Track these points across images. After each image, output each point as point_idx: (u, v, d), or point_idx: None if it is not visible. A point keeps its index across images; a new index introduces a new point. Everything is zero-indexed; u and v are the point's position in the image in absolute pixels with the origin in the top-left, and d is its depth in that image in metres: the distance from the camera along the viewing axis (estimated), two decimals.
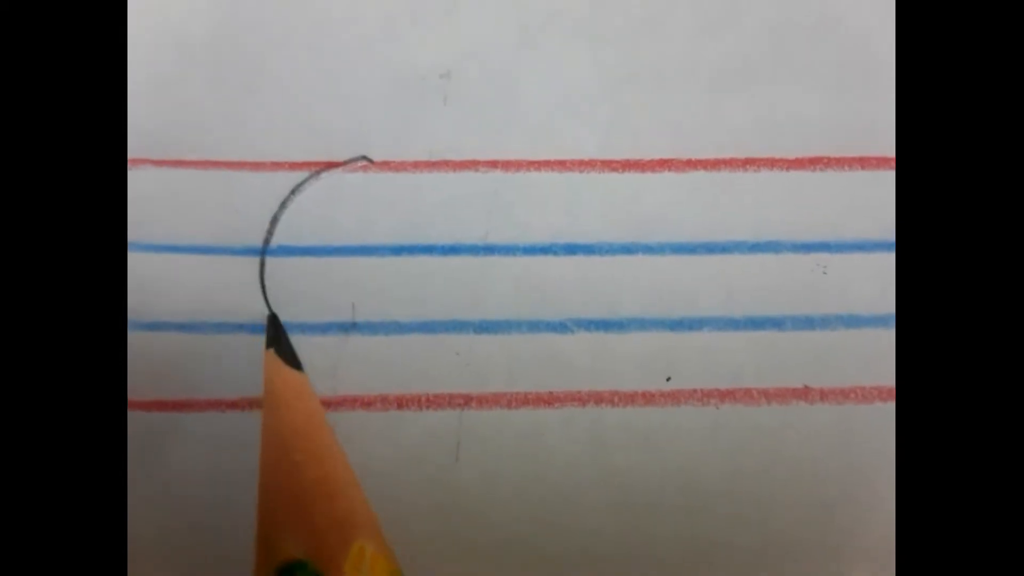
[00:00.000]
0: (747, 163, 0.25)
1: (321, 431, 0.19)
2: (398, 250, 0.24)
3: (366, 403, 0.23)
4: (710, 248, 0.24)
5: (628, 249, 0.24)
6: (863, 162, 0.24)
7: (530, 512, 0.22)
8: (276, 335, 0.22)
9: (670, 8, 0.26)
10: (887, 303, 0.23)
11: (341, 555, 0.16)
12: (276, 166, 0.24)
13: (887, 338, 0.23)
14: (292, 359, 0.21)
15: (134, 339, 0.22)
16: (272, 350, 0.21)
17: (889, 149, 0.24)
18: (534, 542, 0.22)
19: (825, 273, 0.23)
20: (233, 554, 0.21)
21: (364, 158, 0.25)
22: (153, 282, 0.23)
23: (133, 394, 0.22)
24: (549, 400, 0.23)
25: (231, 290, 0.23)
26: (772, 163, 0.25)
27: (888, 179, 0.24)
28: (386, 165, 0.25)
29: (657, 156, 0.25)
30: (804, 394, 0.22)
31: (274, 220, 0.24)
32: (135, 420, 0.22)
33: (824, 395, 0.22)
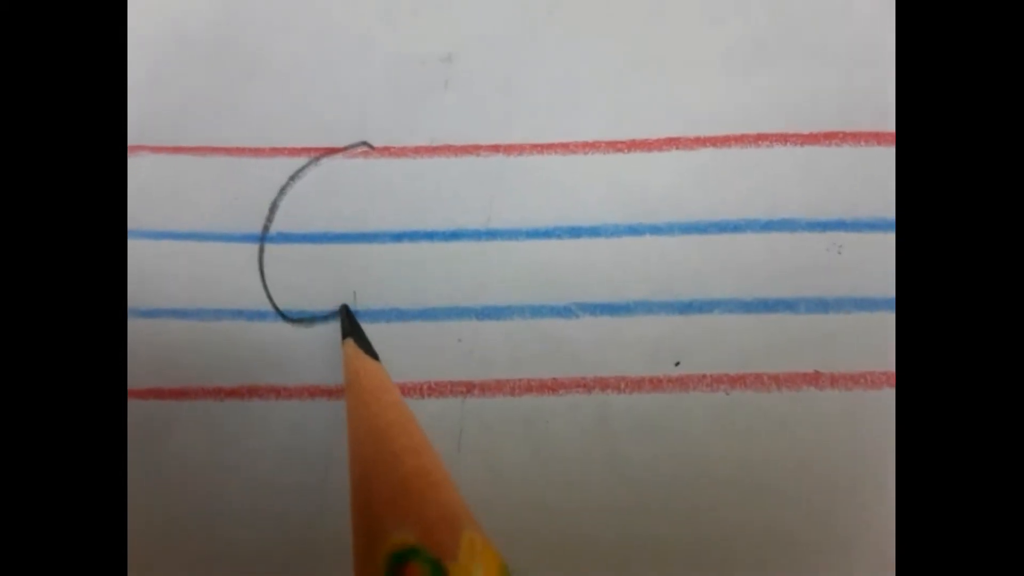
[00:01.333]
0: (759, 139, 0.24)
1: (411, 421, 0.19)
2: (399, 236, 0.23)
3: None
4: (721, 227, 0.23)
5: (634, 230, 0.23)
6: (878, 137, 0.23)
7: (534, 501, 0.21)
8: (352, 325, 0.22)
9: None
10: None
11: (454, 545, 0.15)
12: (275, 152, 0.24)
13: None
14: (369, 349, 0.21)
15: (132, 327, 0.22)
16: (351, 340, 0.21)
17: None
18: (538, 532, 0.21)
19: (840, 253, 0.23)
20: (231, 541, 0.21)
21: (364, 144, 0.24)
22: (151, 269, 0.23)
23: (131, 383, 0.22)
24: (554, 387, 0.22)
25: (230, 277, 0.23)
26: (785, 138, 0.24)
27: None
28: (386, 151, 0.24)
29: (664, 135, 0.24)
30: (814, 379, 0.21)
31: (273, 206, 0.24)
32: (133, 409, 0.22)
33: (835, 380, 0.21)
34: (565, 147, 0.24)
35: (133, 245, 0.23)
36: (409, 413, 0.19)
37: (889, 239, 0.23)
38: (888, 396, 0.21)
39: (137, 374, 0.22)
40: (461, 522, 0.16)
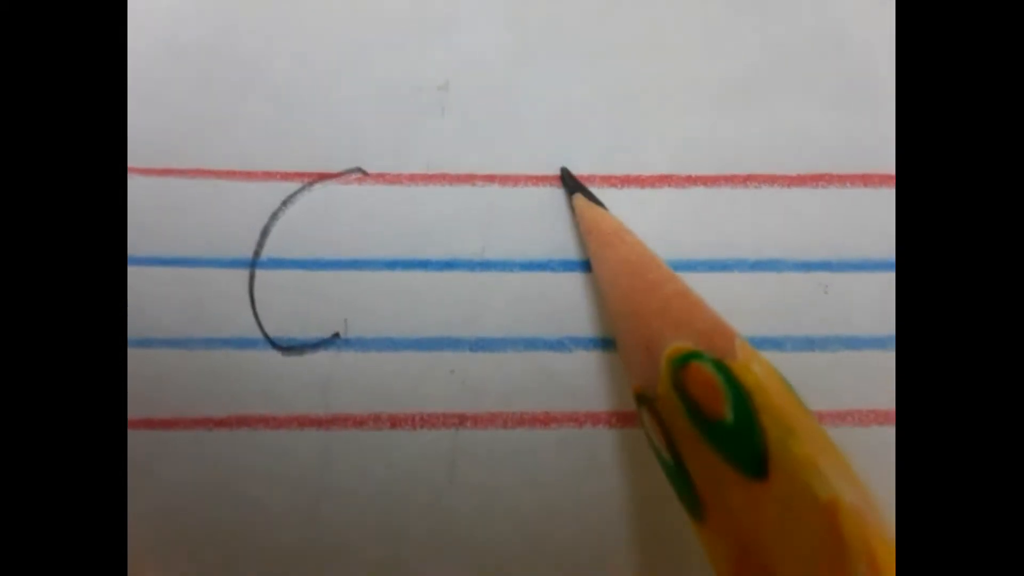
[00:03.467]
0: (747, 179, 0.24)
1: (655, 257, 0.21)
2: (392, 264, 0.23)
3: (359, 422, 0.22)
4: (710, 266, 0.23)
5: None
6: (865, 179, 0.24)
7: (526, 534, 0.21)
8: (575, 183, 0.24)
9: (671, 24, 0.26)
10: (887, 324, 0.23)
11: (730, 347, 0.17)
12: (268, 175, 0.24)
13: (887, 360, 0.23)
14: (597, 202, 0.23)
15: None
16: (580, 194, 0.23)
17: (891, 166, 0.24)
18: (531, 565, 0.21)
19: (826, 293, 0.23)
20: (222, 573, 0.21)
21: (358, 169, 0.24)
22: (137, 296, 0.22)
23: None
24: (546, 420, 0.22)
25: (219, 304, 0.23)
26: (773, 179, 0.24)
27: (890, 197, 0.24)
28: (381, 177, 0.24)
29: (657, 172, 0.24)
30: None
31: (264, 232, 0.23)
32: None
33: (822, 418, 0.22)
34: (559, 179, 0.24)
35: None
36: (650, 251, 0.21)
37: (873, 278, 0.23)
38: (876, 433, 0.22)
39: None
40: (731, 330, 0.17)
